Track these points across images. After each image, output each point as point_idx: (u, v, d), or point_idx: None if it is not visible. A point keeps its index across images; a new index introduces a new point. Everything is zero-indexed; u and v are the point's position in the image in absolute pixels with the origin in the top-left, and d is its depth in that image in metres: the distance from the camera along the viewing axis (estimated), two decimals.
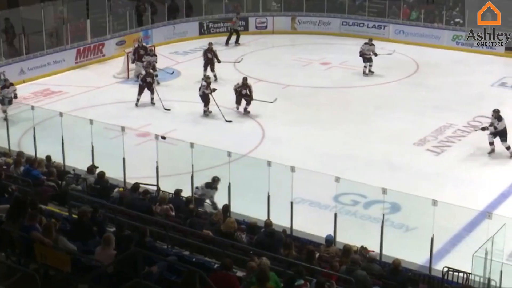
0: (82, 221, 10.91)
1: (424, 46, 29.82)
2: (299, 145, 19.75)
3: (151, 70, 23.52)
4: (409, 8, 31.81)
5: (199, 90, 22.00)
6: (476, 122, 21.23)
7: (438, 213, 12.49)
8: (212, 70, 25.45)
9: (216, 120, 21.69)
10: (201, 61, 25.86)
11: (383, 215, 13.73)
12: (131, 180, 15.58)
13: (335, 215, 14.14)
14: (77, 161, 16.91)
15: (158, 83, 24.27)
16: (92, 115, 19.31)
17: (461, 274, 11.92)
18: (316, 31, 32.79)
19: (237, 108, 22.23)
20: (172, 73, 25.31)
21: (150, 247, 10.13)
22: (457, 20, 30.55)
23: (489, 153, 19.09)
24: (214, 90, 21.90)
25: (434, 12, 31.34)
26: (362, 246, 12.52)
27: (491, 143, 19.09)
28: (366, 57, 26.16)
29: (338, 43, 31.11)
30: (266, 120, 21.56)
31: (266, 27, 33.20)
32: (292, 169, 14.00)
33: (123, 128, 16.47)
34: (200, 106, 21.99)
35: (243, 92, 21.91)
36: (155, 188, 15.44)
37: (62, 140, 17.21)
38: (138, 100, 22.85)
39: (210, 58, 25.56)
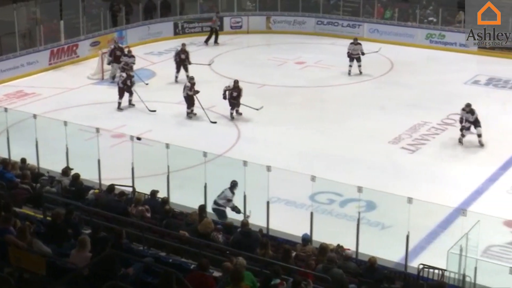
0: (56, 224, 10.83)
1: (398, 45, 30.02)
2: (275, 145, 19.79)
3: (131, 73, 23.28)
4: (383, 7, 32.01)
5: (183, 91, 21.85)
6: (450, 119, 21.42)
7: (413, 210, 12.58)
8: (186, 70, 25.37)
9: (191, 121, 21.65)
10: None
11: (359, 213, 13.79)
12: (106, 182, 15.53)
13: (311, 214, 14.19)
14: (52, 163, 16.77)
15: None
16: (66, 116, 19.15)
17: (436, 271, 12.00)
18: (291, 30, 32.86)
19: (238, 113, 21.76)
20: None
21: (126, 248, 10.09)
22: (430, 18, 30.83)
23: (460, 141, 19.73)
24: (197, 92, 21.70)
25: (408, 11, 31.56)
26: (338, 245, 12.57)
27: (464, 136, 19.67)
28: (353, 57, 26.22)
29: (313, 43, 31.20)
30: (242, 120, 21.56)
31: (241, 27, 33.19)
32: (268, 168, 14.02)
33: (98, 130, 16.38)
34: (175, 106, 21.95)
35: (234, 95, 21.53)
36: (131, 189, 15.38)
37: (36, 142, 17.06)
38: (119, 103, 22.59)
39: (183, 59, 25.46)
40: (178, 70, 25.42)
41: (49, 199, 13.23)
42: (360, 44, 26.36)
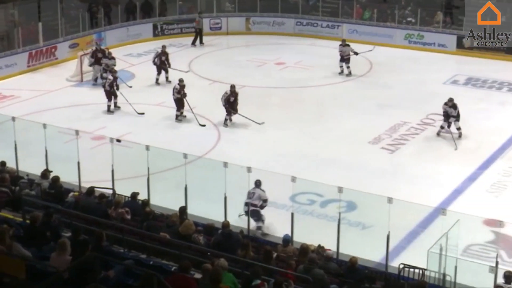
0: (35, 227, 10.76)
1: (377, 45, 30.12)
2: (255, 146, 19.80)
3: (116, 75, 23.09)
4: (361, 8, 32.14)
5: (172, 94, 21.71)
6: (429, 119, 21.55)
7: (393, 210, 12.63)
8: (166, 72, 25.30)
9: (172, 122, 21.59)
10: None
11: (340, 213, 13.82)
12: (86, 184, 15.45)
13: (292, 214, 14.23)
14: (31, 166, 16.63)
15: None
16: (45, 119, 19.00)
17: (416, 270, 12.06)
18: (271, 31, 32.89)
19: (230, 120, 21.40)
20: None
21: (106, 251, 10.04)
22: (409, 19, 31.00)
23: (438, 133, 20.28)
24: (185, 95, 21.49)
25: (386, 12, 31.72)
26: (319, 245, 12.60)
27: (443, 127, 20.18)
28: (344, 58, 26.33)
29: (292, 43, 31.25)
30: (222, 121, 21.51)
31: (220, 28, 33.16)
32: (249, 169, 14.04)
33: (77, 132, 16.29)
34: (156, 108, 21.88)
35: (231, 100, 21.21)
36: (111, 191, 15.31)
37: (15, 145, 16.92)
38: (109, 106, 22.43)
39: (163, 61, 25.38)
40: (159, 72, 25.35)
41: (29, 202, 13.12)
42: (348, 45, 26.45)
